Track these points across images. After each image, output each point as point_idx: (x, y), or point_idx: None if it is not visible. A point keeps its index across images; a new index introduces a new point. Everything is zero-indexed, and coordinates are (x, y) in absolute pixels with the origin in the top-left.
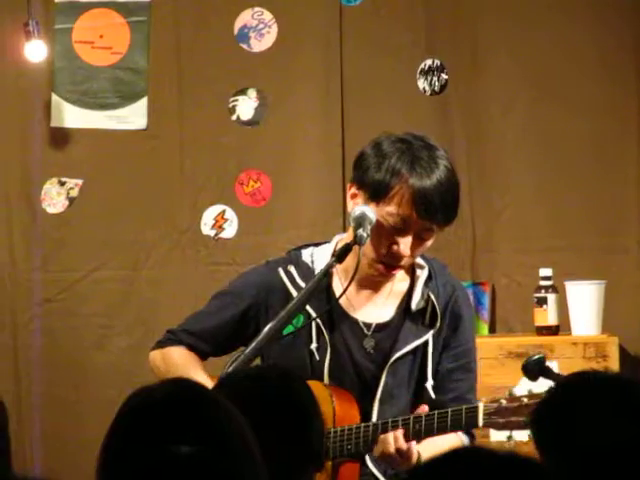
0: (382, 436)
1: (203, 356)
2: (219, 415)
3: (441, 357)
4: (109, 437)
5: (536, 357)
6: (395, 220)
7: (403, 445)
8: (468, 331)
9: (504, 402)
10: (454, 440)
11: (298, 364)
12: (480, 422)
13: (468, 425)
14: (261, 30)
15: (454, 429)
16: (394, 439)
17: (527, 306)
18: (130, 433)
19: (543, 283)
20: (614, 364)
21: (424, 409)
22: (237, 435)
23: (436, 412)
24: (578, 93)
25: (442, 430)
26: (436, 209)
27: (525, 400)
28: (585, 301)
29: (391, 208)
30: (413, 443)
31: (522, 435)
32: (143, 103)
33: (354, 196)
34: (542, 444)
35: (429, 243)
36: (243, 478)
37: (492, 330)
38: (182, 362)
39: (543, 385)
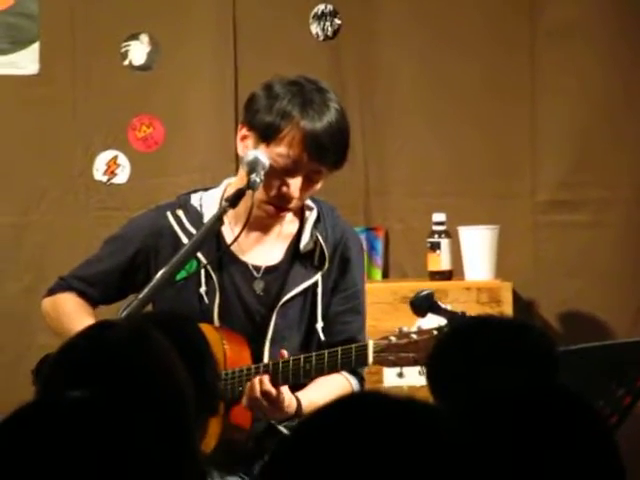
0: (248, 383)
1: (93, 302)
2: (130, 359)
3: (330, 300)
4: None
5: (425, 292)
6: (285, 161)
7: (270, 389)
8: (357, 274)
9: (393, 339)
10: (343, 383)
11: (188, 308)
12: (370, 359)
13: (358, 363)
14: None
15: (344, 367)
16: (259, 383)
17: (421, 251)
18: (43, 380)
19: (436, 228)
20: (507, 309)
21: (284, 354)
22: (144, 381)
23: (326, 351)
24: (472, 33)
25: (332, 369)
26: (326, 151)
27: (414, 337)
28: (478, 246)
29: (281, 149)
30: (285, 388)
31: (414, 376)
32: (35, 48)
33: (244, 138)
34: (436, 386)
35: (318, 186)
36: (144, 425)
37: (385, 275)
38: (71, 309)
39: (432, 322)
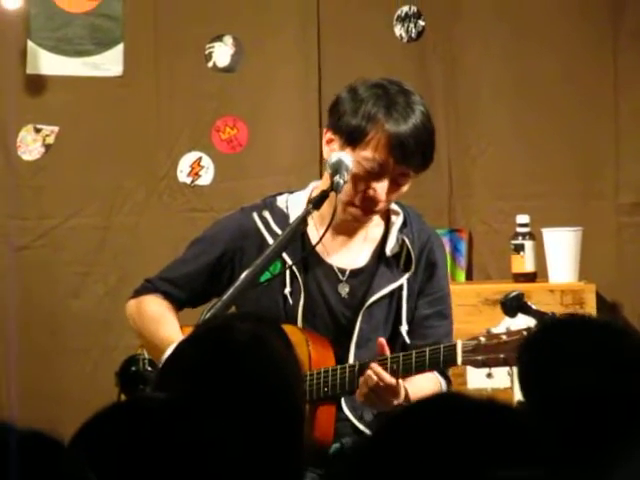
0: (362, 377)
1: (178, 304)
2: (252, 363)
3: (416, 304)
4: None
5: (515, 293)
6: (371, 165)
7: (386, 377)
8: (443, 278)
9: (483, 340)
10: (434, 383)
11: (272, 309)
12: (459, 360)
13: (447, 363)
14: None
15: (432, 367)
16: (375, 373)
17: (504, 253)
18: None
19: (520, 230)
20: (591, 311)
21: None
22: (263, 385)
23: (413, 351)
24: (555, 32)
25: (420, 369)
26: (412, 153)
27: (504, 337)
28: (562, 248)
29: (367, 153)
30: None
31: (501, 380)
32: (119, 50)
33: (330, 141)
34: (525, 382)
35: (405, 188)
36: (211, 436)
37: (469, 277)
38: (155, 312)
39: (521, 323)
